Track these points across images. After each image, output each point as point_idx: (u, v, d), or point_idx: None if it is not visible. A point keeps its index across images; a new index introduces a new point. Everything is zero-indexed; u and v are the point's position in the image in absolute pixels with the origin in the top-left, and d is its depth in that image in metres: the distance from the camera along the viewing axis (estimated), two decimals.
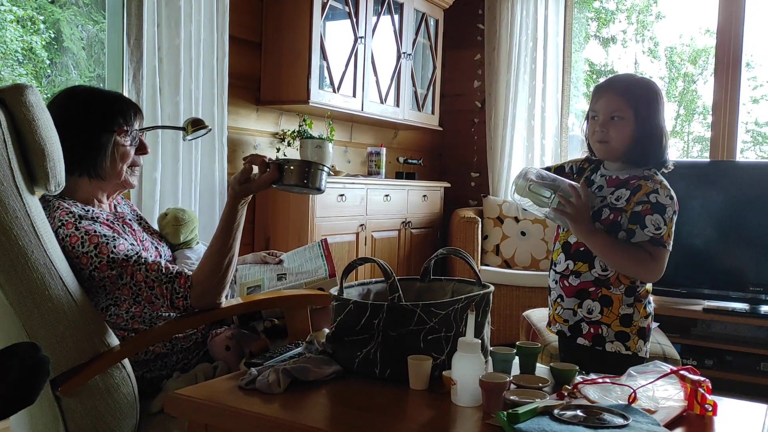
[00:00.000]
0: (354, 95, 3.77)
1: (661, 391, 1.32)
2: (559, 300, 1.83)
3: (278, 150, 3.65)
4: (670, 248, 1.70)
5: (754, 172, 3.48)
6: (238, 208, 1.66)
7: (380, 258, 1.58)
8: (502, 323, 3.96)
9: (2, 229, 1.37)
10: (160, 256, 1.82)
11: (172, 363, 1.75)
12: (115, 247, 1.59)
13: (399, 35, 4.15)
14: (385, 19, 4.04)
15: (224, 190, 3.17)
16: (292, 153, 3.66)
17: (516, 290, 3.98)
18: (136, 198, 2.78)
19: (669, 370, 1.36)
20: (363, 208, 3.70)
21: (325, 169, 1.68)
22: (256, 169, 1.66)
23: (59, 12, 3.70)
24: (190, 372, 1.72)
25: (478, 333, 1.49)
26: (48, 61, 3.68)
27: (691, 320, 3.53)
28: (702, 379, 1.33)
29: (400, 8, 4.16)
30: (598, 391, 1.34)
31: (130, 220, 1.82)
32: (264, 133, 3.60)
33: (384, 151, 4.14)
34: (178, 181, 2.92)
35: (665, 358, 2.46)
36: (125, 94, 2.70)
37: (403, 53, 4.17)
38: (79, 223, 1.59)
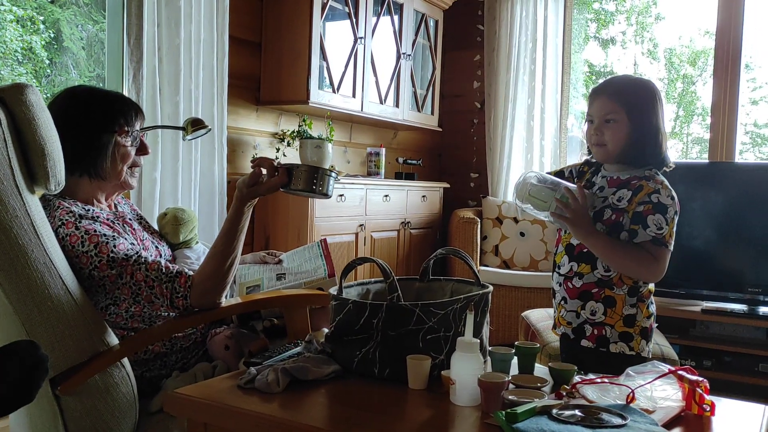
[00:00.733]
0: (353, 95, 3.78)
1: (659, 391, 1.33)
2: (562, 302, 1.83)
3: (278, 150, 3.65)
4: (672, 248, 1.71)
5: (753, 174, 3.48)
6: (244, 210, 1.66)
7: (379, 258, 1.58)
8: (501, 324, 3.96)
9: (2, 228, 1.38)
10: (160, 256, 1.82)
11: (172, 362, 1.76)
12: (115, 246, 1.59)
13: (399, 36, 4.16)
14: (385, 20, 4.05)
15: (224, 190, 3.18)
16: (292, 153, 3.67)
17: (515, 291, 3.99)
18: (136, 198, 2.78)
19: (667, 370, 1.37)
20: (362, 208, 3.70)
21: (333, 174, 1.69)
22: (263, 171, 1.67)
23: (59, 12, 3.70)
24: (189, 371, 1.72)
25: (477, 333, 1.50)
26: (48, 61, 3.68)
27: (690, 321, 3.53)
28: (700, 379, 1.33)
29: (399, 9, 4.16)
30: (597, 391, 1.34)
31: (130, 219, 1.82)
32: (264, 133, 3.60)
33: (383, 151, 4.14)
34: (178, 181, 2.92)
35: (664, 359, 2.46)
36: (125, 93, 2.70)
37: (403, 54, 4.18)
38: (79, 222, 1.60)
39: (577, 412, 1.22)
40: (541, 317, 2.94)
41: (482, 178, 4.84)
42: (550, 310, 2.97)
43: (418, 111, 4.46)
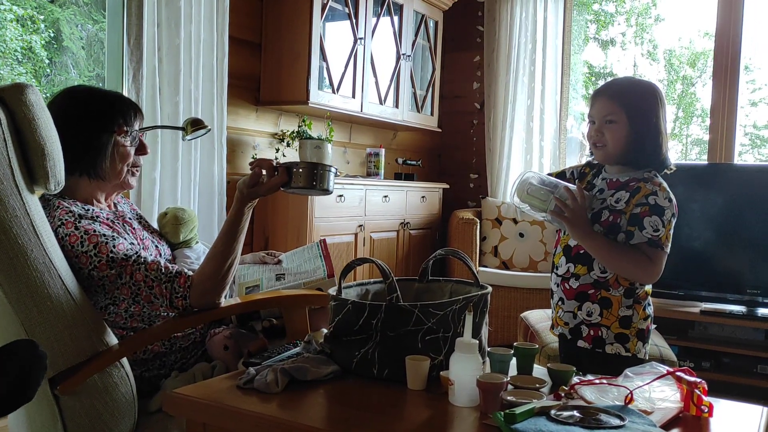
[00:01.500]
0: (353, 96, 3.78)
1: (657, 392, 1.33)
2: (560, 303, 1.85)
3: (277, 150, 3.65)
4: (668, 250, 1.71)
5: (752, 175, 3.49)
6: (244, 211, 1.67)
7: (379, 259, 1.58)
8: (500, 324, 3.96)
9: (2, 227, 1.38)
10: (160, 255, 1.82)
11: (171, 362, 1.76)
12: (114, 246, 1.59)
13: (398, 36, 4.16)
14: (385, 21, 4.05)
15: (223, 190, 3.18)
16: (291, 153, 3.67)
17: (514, 291, 3.99)
18: (136, 197, 2.78)
19: (665, 372, 1.37)
20: (362, 208, 3.70)
21: (333, 170, 1.70)
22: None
23: (59, 11, 3.70)
24: (188, 371, 1.72)
25: (476, 333, 1.50)
26: (47, 61, 3.68)
27: (689, 322, 3.53)
28: (698, 380, 1.33)
29: (399, 10, 4.17)
30: (595, 391, 1.34)
31: (129, 219, 1.83)
32: (263, 134, 3.61)
33: (383, 152, 4.14)
34: (178, 181, 2.93)
35: (662, 360, 2.47)
36: (125, 93, 2.70)
37: (403, 54, 4.18)
38: (79, 222, 1.60)
39: (575, 413, 1.23)
40: (540, 318, 2.94)
41: (482, 178, 4.84)
42: (549, 311, 2.97)
43: (418, 112, 4.47)
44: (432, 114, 4.63)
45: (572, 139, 4.80)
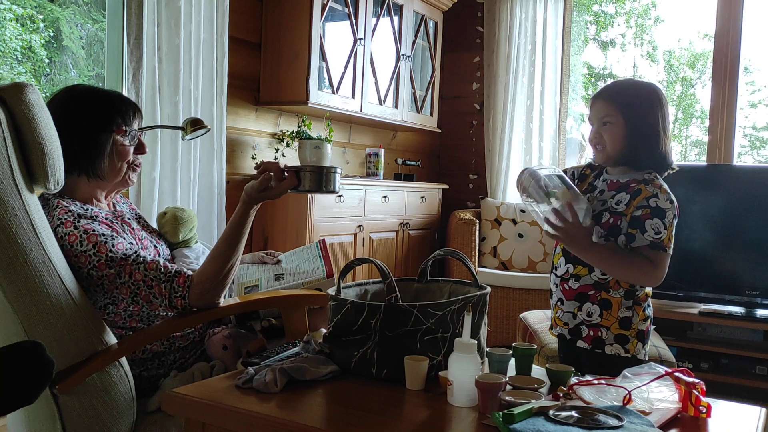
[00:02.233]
0: (353, 96, 3.78)
1: (655, 392, 1.33)
2: (559, 303, 1.85)
3: (277, 150, 3.66)
4: (671, 252, 1.71)
5: (751, 176, 3.49)
6: (249, 213, 1.67)
7: (378, 259, 1.59)
8: (499, 325, 3.96)
9: (1, 227, 1.38)
10: (159, 255, 1.82)
11: (170, 362, 1.76)
12: (113, 246, 1.59)
13: (398, 37, 4.16)
14: (385, 21, 4.05)
15: (223, 190, 3.18)
16: (291, 153, 3.67)
17: (513, 292, 3.99)
18: (135, 197, 2.79)
19: (664, 372, 1.37)
20: (361, 209, 3.70)
21: (339, 171, 1.74)
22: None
23: (59, 11, 3.70)
24: (187, 371, 1.72)
25: (475, 334, 1.50)
26: (47, 60, 3.68)
27: (687, 323, 3.54)
28: (696, 381, 1.34)
29: (399, 10, 4.17)
30: (594, 392, 1.34)
31: (129, 218, 1.83)
32: (263, 134, 3.61)
33: (382, 152, 4.14)
34: (177, 181, 2.93)
35: (661, 361, 2.47)
36: (124, 93, 2.70)
37: (403, 55, 4.18)
38: (78, 221, 1.60)
39: (573, 413, 1.23)
40: (539, 319, 2.95)
41: (481, 179, 4.85)
42: (548, 312, 2.98)
43: (418, 112, 4.47)
44: (431, 114, 4.63)
45: (572, 140, 4.80)
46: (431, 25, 4.54)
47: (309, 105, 3.44)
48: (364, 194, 3.72)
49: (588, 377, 1.44)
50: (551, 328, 1.92)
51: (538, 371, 1.56)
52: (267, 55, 3.53)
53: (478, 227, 4.16)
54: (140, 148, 1.78)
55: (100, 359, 1.50)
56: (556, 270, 1.87)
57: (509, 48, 4.58)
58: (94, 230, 1.60)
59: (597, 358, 1.76)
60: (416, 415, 1.29)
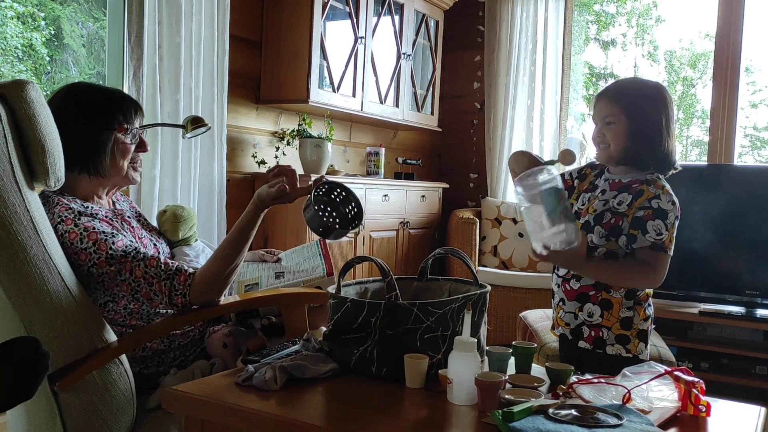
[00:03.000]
0: (353, 95, 3.78)
1: (655, 391, 1.33)
2: (561, 303, 1.85)
3: (277, 149, 3.66)
4: (671, 253, 1.71)
5: (752, 176, 3.49)
6: (259, 216, 1.68)
7: (378, 258, 1.58)
8: (499, 324, 3.96)
9: (1, 224, 1.38)
10: (159, 253, 1.82)
11: (170, 359, 1.76)
12: (113, 243, 1.59)
13: (399, 36, 4.16)
14: (386, 20, 4.05)
15: (223, 189, 3.18)
16: (292, 152, 3.67)
17: (513, 291, 3.99)
18: (135, 195, 2.79)
19: (663, 371, 1.37)
20: None
21: (352, 229, 1.73)
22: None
23: (60, 9, 3.70)
24: (187, 369, 1.72)
25: (475, 332, 1.50)
26: (48, 58, 3.68)
27: (687, 323, 3.53)
28: (696, 379, 1.34)
29: (400, 9, 4.17)
30: (593, 391, 1.35)
31: (129, 217, 1.83)
32: (263, 132, 3.61)
33: (383, 151, 4.14)
34: (177, 179, 2.93)
35: (661, 361, 2.47)
36: (125, 91, 2.70)
37: (403, 54, 4.18)
38: (78, 219, 1.60)
39: (573, 411, 1.23)
40: (539, 318, 2.95)
41: (481, 178, 4.85)
42: (548, 311, 2.98)
43: (418, 111, 4.47)
44: (432, 113, 4.63)
45: (572, 140, 4.80)
46: (432, 24, 4.54)
47: (310, 103, 3.44)
48: (365, 193, 3.72)
49: (588, 376, 1.44)
50: (553, 328, 1.92)
51: (537, 370, 1.56)
52: (268, 53, 3.53)
53: (478, 226, 4.16)
54: (141, 146, 1.78)
55: (100, 356, 1.50)
56: (557, 270, 1.87)
57: (510, 47, 4.58)
58: (94, 228, 1.60)
59: (598, 359, 1.76)
60: (416, 413, 1.29)
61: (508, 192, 4.60)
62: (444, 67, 4.87)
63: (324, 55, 3.53)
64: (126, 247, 1.61)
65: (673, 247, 1.71)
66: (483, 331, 1.58)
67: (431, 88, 4.59)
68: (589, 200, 1.83)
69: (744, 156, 5.39)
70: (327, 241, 1.70)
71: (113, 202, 1.83)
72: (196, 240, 2.03)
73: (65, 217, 1.59)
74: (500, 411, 1.19)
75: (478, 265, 4.22)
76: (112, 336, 1.57)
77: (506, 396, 1.29)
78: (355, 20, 3.72)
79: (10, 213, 1.39)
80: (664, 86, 1.81)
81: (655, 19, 6.17)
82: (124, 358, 1.58)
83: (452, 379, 1.32)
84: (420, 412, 1.29)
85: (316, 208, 1.67)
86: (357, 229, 1.72)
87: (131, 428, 1.59)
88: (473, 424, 1.23)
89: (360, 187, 3.68)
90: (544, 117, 4.55)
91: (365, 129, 4.39)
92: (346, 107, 3.72)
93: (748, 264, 3.39)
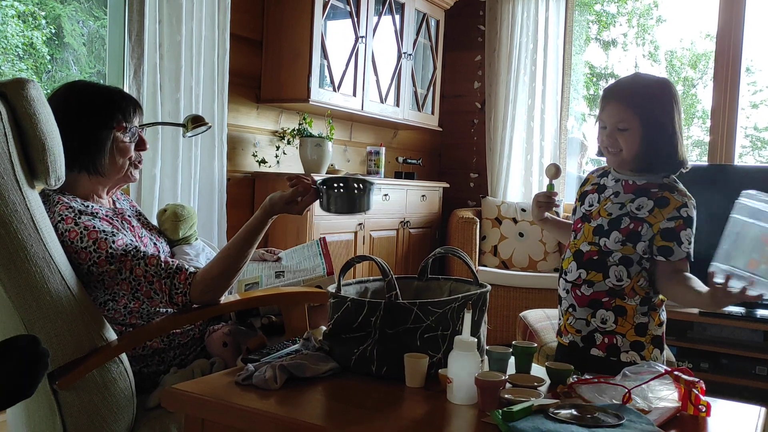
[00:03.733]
0: (354, 94, 3.78)
1: (655, 391, 1.33)
2: (570, 310, 1.76)
3: (278, 148, 3.66)
4: None
5: (753, 177, 3.49)
6: (268, 221, 1.69)
7: (378, 257, 1.58)
8: (499, 324, 3.96)
9: (2, 222, 1.38)
10: (159, 252, 1.82)
11: (170, 358, 1.76)
12: (114, 242, 1.59)
13: (400, 35, 4.16)
14: (386, 19, 4.05)
15: (223, 188, 3.18)
16: (292, 151, 3.67)
17: (513, 291, 3.99)
18: (136, 194, 2.79)
19: (663, 371, 1.37)
20: None
21: (372, 186, 1.72)
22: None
23: (60, 7, 3.70)
24: (187, 367, 1.72)
25: (475, 332, 1.50)
26: (48, 57, 3.68)
27: (687, 323, 3.53)
28: (696, 379, 1.34)
29: (401, 8, 4.17)
30: (593, 390, 1.34)
31: (129, 216, 1.83)
32: (264, 131, 3.61)
33: (383, 150, 4.14)
34: (178, 178, 2.93)
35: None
36: (125, 90, 2.70)
37: (404, 53, 4.18)
38: (79, 218, 1.60)
39: (573, 411, 1.23)
40: (539, 317, 2.94)
41: (482, 178, 4.85)
42: (548, 311, 2.98)
43: (419, 111, 4.47)
44: (433, 113, 4.63)
45: (573, 140, 4.80)
46: (433, 23, 4.54)
47: (310, 103, 3.44)
48: None
49: (587, 376, 1.44)
50: (560, 335, 1.83)
51: (537, 370, 1.56)
52: (268, 52, 3.53)
53: (478, 226, 4.16)
54: (141, 145, 1.78)
55: (100, 355, 1.50)
56: (566, 275, 1.78)
57: (511, 47, 4.58)
58: (94, 227, 1.60)
59: (612, 366, 1.63)
60: (416, 412, 1.29)
61: (508, 192, 4.60)
62: (444, 67, 4.87)
63: (324, 54, 3.53)
64: (126, 245, 1.61)
65: None
66: (483, 330, 1.58)
67: (432, 88, 4.59)
68: (599, 202, 1.77)
69: (744, 156, 5.39)
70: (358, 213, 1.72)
71: (113, 201, 1.83)
72: (197, 239, 2.03)
73: (65, 215, 1.59)
74: (500, 410, 1.19)
75: (478, 265, 4.22)
76: (112, 335, 1.57)
77: (506, 395, 1.29)
78: (355, 19, 3.72)
79: (11, 211, 1.39)
80: (671, 82, 1.75)
81: (656, 19, 6.16)
82: (124, 356, 1.58)
83: (452, 378, 1.32)
84: (420, 412, 1.29)
85: (334, 188, 1.68)
86: (374, 185, 1.73)
87: (131, 427, 1.59)
88: (473, 424, 1.23)
89: None
90: (545, 117, 4.55)
91: (366, 128, 4.39)
92: (347, 106, 3.72)
93: None
